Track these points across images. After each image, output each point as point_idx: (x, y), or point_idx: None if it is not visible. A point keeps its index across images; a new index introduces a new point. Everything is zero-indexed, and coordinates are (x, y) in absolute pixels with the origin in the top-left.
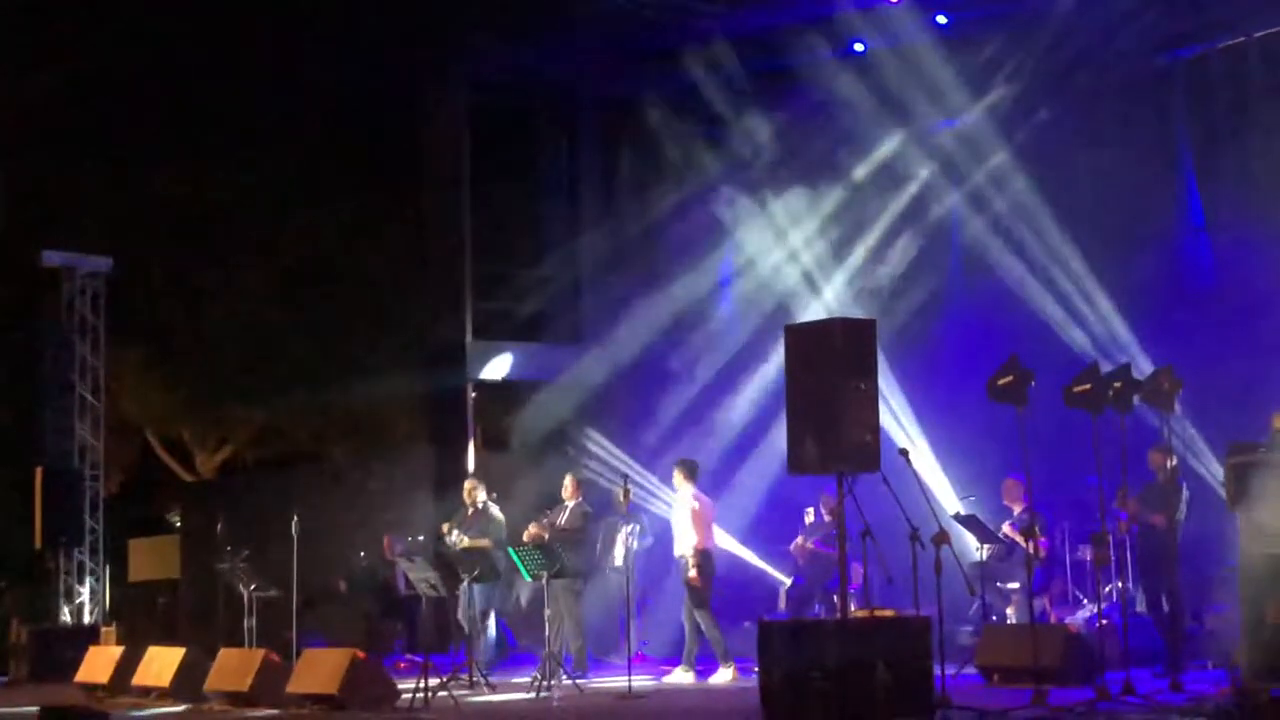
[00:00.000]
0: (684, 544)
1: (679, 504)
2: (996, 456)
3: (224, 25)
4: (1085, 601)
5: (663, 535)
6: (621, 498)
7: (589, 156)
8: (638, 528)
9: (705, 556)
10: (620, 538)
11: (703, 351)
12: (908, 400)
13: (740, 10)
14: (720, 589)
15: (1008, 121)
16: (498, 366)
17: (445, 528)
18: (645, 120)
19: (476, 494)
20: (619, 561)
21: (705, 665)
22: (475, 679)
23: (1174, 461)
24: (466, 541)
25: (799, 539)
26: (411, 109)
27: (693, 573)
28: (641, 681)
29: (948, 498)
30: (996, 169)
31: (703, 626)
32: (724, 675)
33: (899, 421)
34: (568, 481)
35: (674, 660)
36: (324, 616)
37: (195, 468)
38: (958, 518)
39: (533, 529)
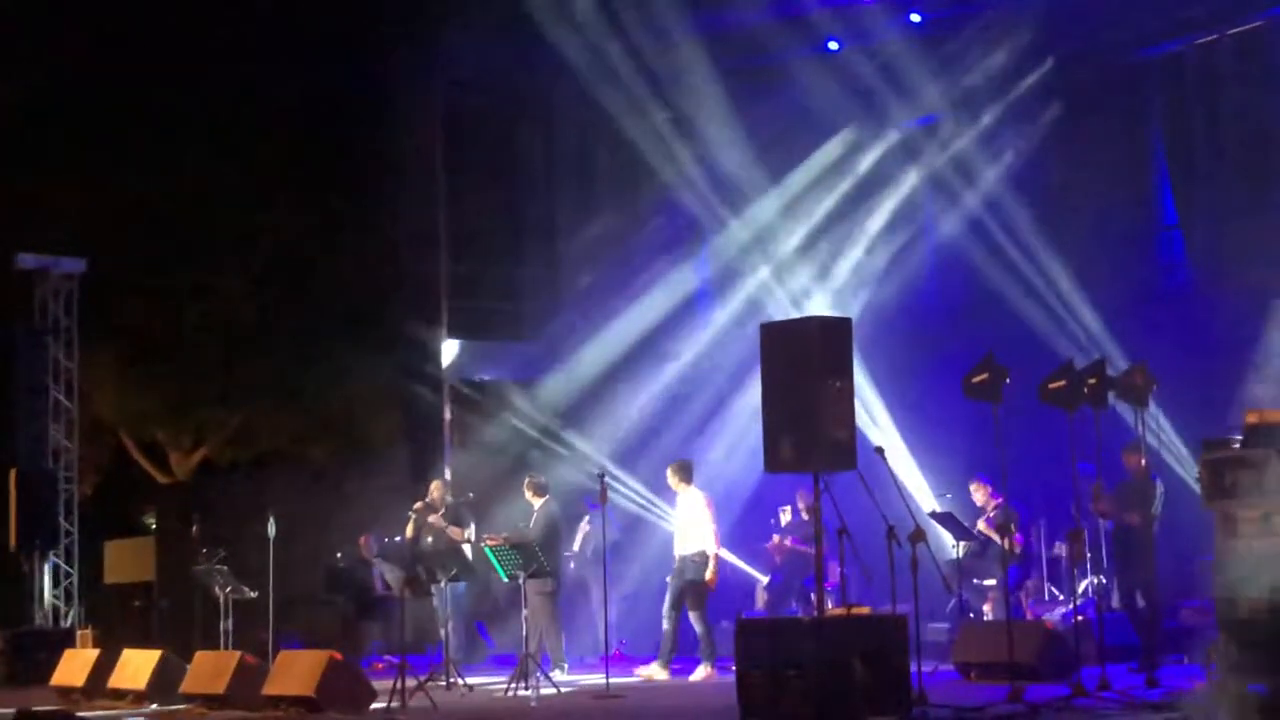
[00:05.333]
0: (689, 545)
1: (683, 505)
2: (972, 454)
3: (197, 24)
4: (1061, 598)
5: (627, 531)
6: (600, 493)
7: (565, 155)
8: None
9: (716, 559)
10: (580, 526)
11: (679, 349)
12: (882, 399)
13: (714, 10)
14: None
15: (981, 120)
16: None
17: (410, 531)
18: (621, 119)
19: (441, 496)
20: (575, 547)
21: (681, 664)
22: (452, 680)
23: (1146, 459)
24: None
25: (775, 536)
26: (387, 108)
27: (710, 575)
28: (619, 680)
29: (923, 496)
30: (970, 167)
31: (700, 628)
32: (701, 673)
33: (874, 420)
34: (527, 486)
35: (649, 658)
36: (301, 618)
37: (170, 469)
38: (934, 515)
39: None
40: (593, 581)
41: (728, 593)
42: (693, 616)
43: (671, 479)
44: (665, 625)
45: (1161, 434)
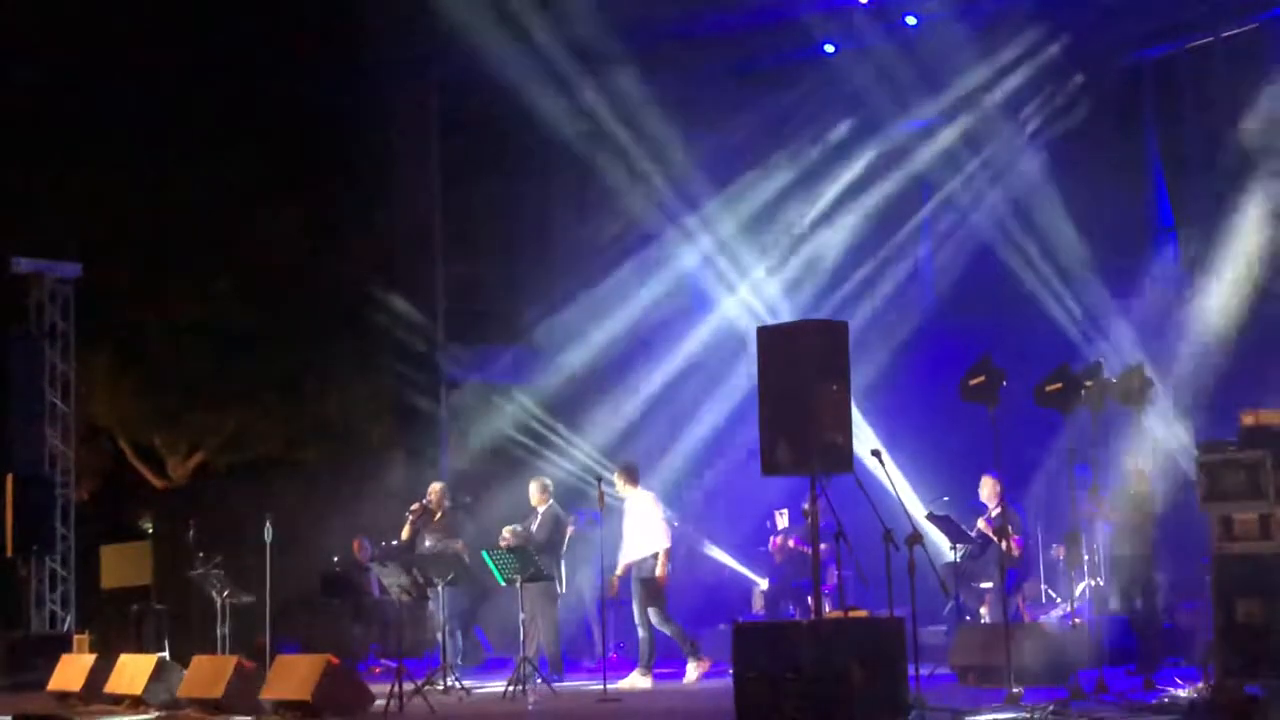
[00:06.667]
0: (641, 547)
1: (632, 508)
2: (969, 457)
3: (192, 29)
4: (1059, 600)
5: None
6: (597, 497)
7: (561, 159)
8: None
9: (668, 555)
10: (566, 530)
11: (675, 352)
12: (879, 403)
13: (708, 13)
14: (686, 589)
15: (975, 123)
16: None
17: (406, 532)
18: (617, 123)
19: (440, 498)
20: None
21: (672, 668)
22: (449, 683)
23: (1142, 463)
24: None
25: (772, 538)
26: (382, 110)
27: (660, 571)
28: (616, 684)
29: (919, 500)
30: (965, 171)
31: (668, 628)
32: (694, 670)
33: (866, 423)
34: (533, 488)
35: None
36: (298, 622)
37: (167, 474)
38: (930, 517)
39: (508, 536)
40: (585, 586)
41: (723, 596)
42: (655, 617)
43: (618, 483)
44: (641, 633)
45: (1159, 436)
